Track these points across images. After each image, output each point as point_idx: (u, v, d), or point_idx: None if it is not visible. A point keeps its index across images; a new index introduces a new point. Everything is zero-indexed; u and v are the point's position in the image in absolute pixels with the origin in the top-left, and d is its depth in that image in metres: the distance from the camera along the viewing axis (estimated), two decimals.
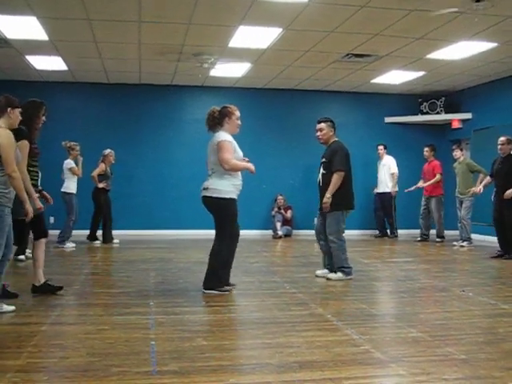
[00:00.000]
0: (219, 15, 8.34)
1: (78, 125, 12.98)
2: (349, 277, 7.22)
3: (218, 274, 6.26)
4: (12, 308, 5.20)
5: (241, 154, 6.35)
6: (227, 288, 6.31)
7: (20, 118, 5.34)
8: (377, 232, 13.52)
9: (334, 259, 7.29)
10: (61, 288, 6.06)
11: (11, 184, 4.97)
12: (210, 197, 6.18)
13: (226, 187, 6.16)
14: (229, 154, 6.13)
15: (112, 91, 13.39)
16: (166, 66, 11.58)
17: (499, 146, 9.50)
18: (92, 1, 7.74)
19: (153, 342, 4.20)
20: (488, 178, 9.93)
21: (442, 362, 3.81)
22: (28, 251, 9.02)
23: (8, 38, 9.42)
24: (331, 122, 7.42)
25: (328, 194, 7.10)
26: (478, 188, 10.11)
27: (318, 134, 7.41)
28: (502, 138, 9.51)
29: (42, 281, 5.95)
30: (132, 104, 13.48)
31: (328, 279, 7.21)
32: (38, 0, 7.73)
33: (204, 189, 6.24)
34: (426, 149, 12.49)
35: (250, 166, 6.36)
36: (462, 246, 11.27)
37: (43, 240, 5.99)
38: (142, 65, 11.56)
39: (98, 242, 11.25)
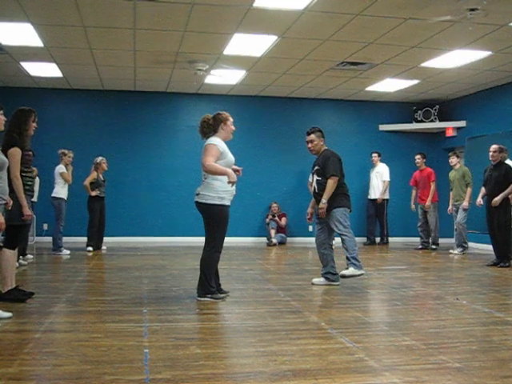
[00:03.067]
0: (214, 23, 8.36)
1: (73, 131, 13.00)
2: (361, 271, 7.16)
3: (210, 281, 6.25)
4: (9, 314, 5.18)
5: (232, 158, 6.34)
6: (221, 296, 6.31)
7: (4, 119, 5.33)
8: (365, 240, 13.60)
9: (347, 250, 7.15)
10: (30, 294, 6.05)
11: None
12: (201, 202, 6.20)
13: (216, 193, 6.15)
14: (210, 157, 6.12)
15: (107, 98, 13.40)
16: (161, 73, 11.59)
17: (491, 154, 9.58)
18: (87, 8, 7.75)
19: (146, 350, 4.18)
20: (482, 189, 9.96)
21: (435, 371, 3.81)
22: (28, 257, 9.02)
23: (3, 44, 9.42)
24: (320, 131, 7.43)
25: (324, 200, 7.12)
26: (478, 200, 10.15)
27: (310, 145, 7.41)
28: (494, 146, 9.60)
29: (7, 289, 5.88)
30: (127, 111, 13.49)
31: (342, 276, 7.16)
32: (33, 7, 7.74)
33: (196, 194, 6.26)
34: (417, 156, 12.54)
35: (230, 172, 6.13)
36: (456, 254, 11.30)
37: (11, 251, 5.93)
38: (137, 72, 11.57)
39: (90, 248, 11.16)
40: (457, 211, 11.49)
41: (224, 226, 6.26)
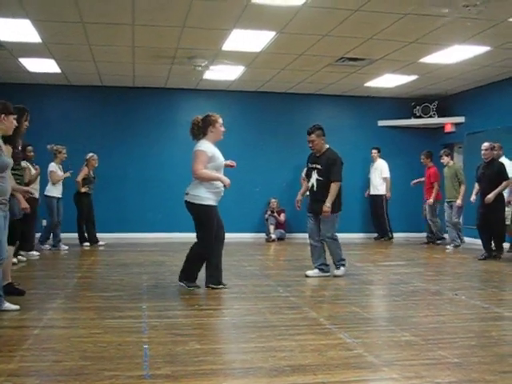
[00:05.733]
0: (213, 18, 8.34)
1: (72, 127, 12.96)
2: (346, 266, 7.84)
3: (189, 270, 6.57)
4: (16, 307, 5.28)
5: (221, 160, 6.51)
6: (196, 284, 6.55)
7: (15, 124, 5.35)
8: (375, 234, 13.63)
9: (332, 255, 7.69)
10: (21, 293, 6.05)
11: None
12: (189, 202, 6.45)
13: (204, 194, 6.39)
14: (199, 164, 6.34)
15: (105, 94, 13.37)
16: (160, 69, 11.57)
17: (483, 152, 9.69)
18: (86, 3, 7.72)
19: (145, 346, 4.19)
20: (476, 186, 10.07)
21: (434, 366, 3.82)
22: (26, 253, 9.04)
23: (1, 40, 9.39)
24: (320, 129, 7.62)
25: (328, 204, 7.36)
26: (472, 197, 10.25)
27: (310, 145, 7.66)
28: (486, 144, 9.72)
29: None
30: (126, 107, 13.46)
31: (335, 276, 7.58)
32: (31, 2, 7.70)
33: (186, 193, 6.50)
34: (422, 157, 12.57)
35: (223, 178, 6.46)
36: (447, 249, 11.47)
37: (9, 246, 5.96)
38: (136, 68, 11.54)
39: (87, 243, 11.25)
40: (450, 208, 11.61)
41: (211, 226, 6.48)
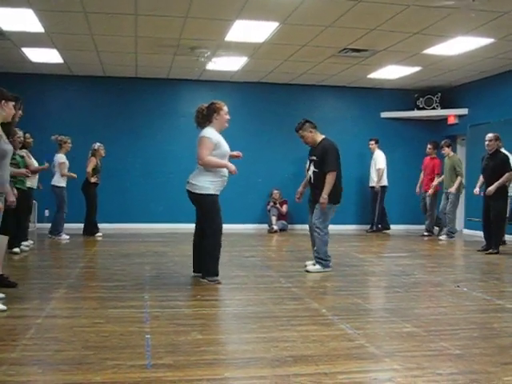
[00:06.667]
0: (216, 9, 8.31)
1: (74, 118, 12.96)
2: (326, 269, 7.32)
3: (216, 264, 6.39)
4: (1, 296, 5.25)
5: (226, 149, 6.44)
6: (217, 279, 6.39)
7: (14, 111, 5.33)
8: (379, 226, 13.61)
9: (315, 248, 7.39)
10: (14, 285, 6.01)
11: None
12: (190, 191, 6.37)
13: (204, 183, 6.28)
14: (205, 150, 6.24)
15: (108, 84, 13.34)
16: (163, 59, 11.55)
17: (486, 143, 9.58)
18: None
19: (148, 336, 4.20)
20: (480, 177, 9.99)
21: (436, 357, 3.82)
22: (25, 243, 9.02)
23: (4, 30, 9.38)
24: (305, 122, 7.48)
25: (324, 195, 7.16)
26: (475, 190, 10.19)
27: (302, 140, 7.56)
28: (490, 135, 9.61)
29: None
30: (128, 97, 13.44)
31: (307, 272, 7.30)
32: None
33: (187, 182, 6.42)
34: (429, 146, 12.55)
35: (229, 165, 6.38)
36: (440, 240, 11.53)
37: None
38: (139, 58, 11.52)
39: (99, 234, 11.31)
40: (447, 198, 11.66)
41: (215, 214, 6.36)
